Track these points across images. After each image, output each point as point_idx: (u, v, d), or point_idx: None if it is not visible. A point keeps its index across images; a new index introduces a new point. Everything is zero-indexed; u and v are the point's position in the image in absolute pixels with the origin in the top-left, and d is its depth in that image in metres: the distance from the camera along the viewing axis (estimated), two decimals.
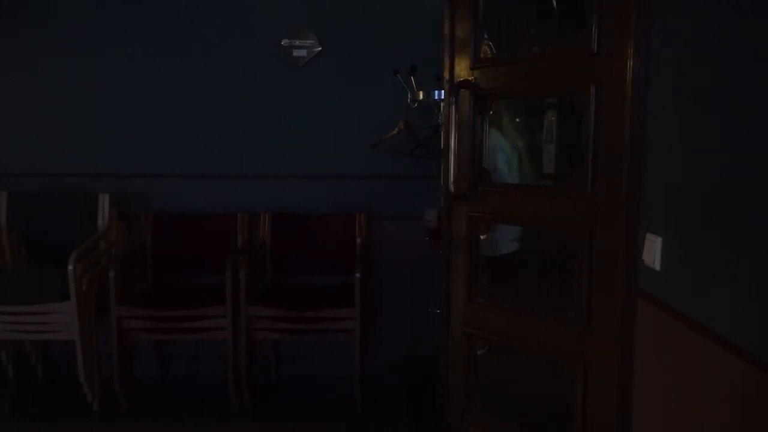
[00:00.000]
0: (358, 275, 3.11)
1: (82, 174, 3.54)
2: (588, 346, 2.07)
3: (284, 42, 3.50)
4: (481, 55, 2.38)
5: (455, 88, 2.35)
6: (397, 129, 3.23)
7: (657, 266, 1.71)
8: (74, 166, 3.55)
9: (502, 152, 2.70)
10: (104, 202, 3.41)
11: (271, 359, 3.58)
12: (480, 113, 2.38)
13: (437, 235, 2.75)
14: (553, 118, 2.65)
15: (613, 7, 1.91)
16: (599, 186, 1.98)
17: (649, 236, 1.75)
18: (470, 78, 2.36)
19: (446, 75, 2.45)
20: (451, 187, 2.35)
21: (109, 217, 3.41)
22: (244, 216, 3.52)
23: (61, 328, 3.08)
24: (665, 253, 1.68)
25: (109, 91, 3.55)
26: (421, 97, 3.12)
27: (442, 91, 3.02)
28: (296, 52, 3.50)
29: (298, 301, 3.22)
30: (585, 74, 1.99)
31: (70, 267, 2.96)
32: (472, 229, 2.44)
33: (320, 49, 3.50)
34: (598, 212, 1.99)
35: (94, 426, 3.11)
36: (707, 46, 1.50)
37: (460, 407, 2.55)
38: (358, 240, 3.49)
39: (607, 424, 2.03)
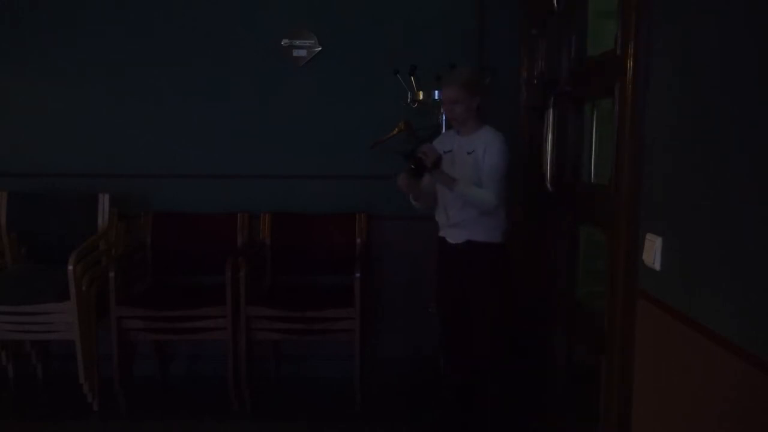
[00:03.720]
0: (357, 275, 3.11)
1: (82, 174, 3.54)
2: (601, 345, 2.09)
3: (284, 42, 3.49)
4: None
5: (553, 91, 2.41)
6: (397, 129, 3.23)
7: (657, 266, 1.70)
8: (74, 166, 3.55)
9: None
10: (104, 202, 3.41)
11: (271, 359, 3.58)
12: (575, 114, 2.42)
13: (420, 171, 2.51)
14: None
15: (622, 7, 1.91)
16: (620, 184, 1.99)
17: (649, 236, 1.75)
18: (565, 81, 2.41)
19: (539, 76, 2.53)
20: (548, 186, 2.43)
21: (109, 217, 3.41)
22: (244, 216, 3.52)
23: (61, 328, 3.08)
24: (665, 253, 1.68)
25: (109, 91, 3.55)
26: (421, 97, 3.12)
27: None
28: (296, 52, 3.50)
29: (298, 301, 3.22)
30: (612, 74, 2.00)
31: (70, 267, 2.96)
32: (570, 228, 2.51)
33: (320, 49, 3.50)
34: (617, 210, 2.00)
35: (94, 426, 3.11)
36: (708, 45, 1.50)
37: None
38: (358, 240, 3.49)
39: (608, 422, 2.03)
